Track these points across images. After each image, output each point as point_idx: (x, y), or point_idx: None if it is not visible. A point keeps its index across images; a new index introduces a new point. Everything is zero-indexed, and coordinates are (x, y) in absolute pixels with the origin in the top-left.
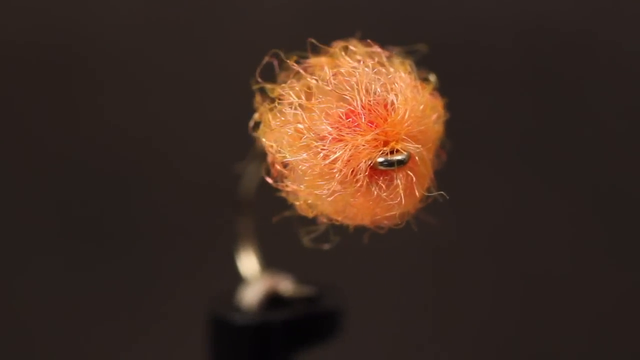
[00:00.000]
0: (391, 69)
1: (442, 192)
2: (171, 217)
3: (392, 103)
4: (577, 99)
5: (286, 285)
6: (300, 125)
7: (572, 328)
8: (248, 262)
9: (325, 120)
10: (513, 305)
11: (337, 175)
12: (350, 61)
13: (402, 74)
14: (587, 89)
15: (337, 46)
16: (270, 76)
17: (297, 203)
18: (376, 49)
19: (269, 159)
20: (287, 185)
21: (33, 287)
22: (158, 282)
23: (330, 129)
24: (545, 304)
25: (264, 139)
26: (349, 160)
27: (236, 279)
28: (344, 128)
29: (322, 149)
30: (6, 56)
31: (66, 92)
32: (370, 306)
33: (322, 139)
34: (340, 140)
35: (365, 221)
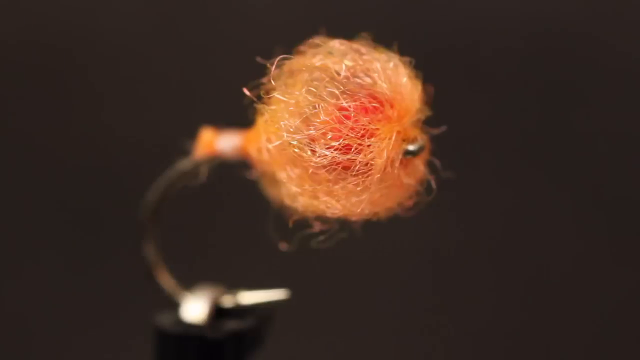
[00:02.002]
0: (391, 61)
1: (448, 173)
2: (166, 217)
3: (407, 92)
4: (580, 100)
5: (235, 295)
6: (337, 125)
7: (576, 330)
8: (168, 282)
9: (362, 117)
10: (516, 308)
11: (375, 170)
12: (366, 56)
13: (401, 65)
14: (590, 90)
15: (325, 44)
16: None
17: (322, 206)
18: (364, 43)
19: (291, 163)
20: (315, 188)
21: (30, 286)
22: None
23: (367, 124)
24: (549, 307)
25: (293, 143)
26: (387, 154)
27: (230, 277)
28: (376, 122)
29: (361, 146)
30: (2, 57)
31: (64, 93)
32: (372, 308)
33: (361, 136)
34: (375, 135)
35: (381, 212)
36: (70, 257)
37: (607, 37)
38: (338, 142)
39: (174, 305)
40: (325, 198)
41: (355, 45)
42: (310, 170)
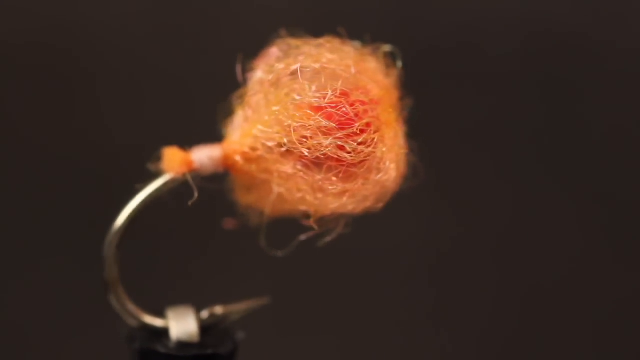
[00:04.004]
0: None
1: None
2: (165, 220)
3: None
4: (580, 101)
5: (214, 311)
6: (368, 120)
7: (576, 331)
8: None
9: (378, 109)
10: (515, 309)
11: (394, 159)
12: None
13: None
14: (590, 90)
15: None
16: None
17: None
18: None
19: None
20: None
21: (29, 287)
22: (152, 283)
23: (383, 114)
24: (549, 307)
25: (326, 144)
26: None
27: (226, 281)
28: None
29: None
30: (2, 56)
31: (63, 94)
32: (371, 307)
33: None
34: (390, 124)
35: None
36: (70, 258)
37: (608, 37)
38: (371, 136)
39: (145, 329)
40: (349, 195)
41: (334, 41)
42: (344, 169)
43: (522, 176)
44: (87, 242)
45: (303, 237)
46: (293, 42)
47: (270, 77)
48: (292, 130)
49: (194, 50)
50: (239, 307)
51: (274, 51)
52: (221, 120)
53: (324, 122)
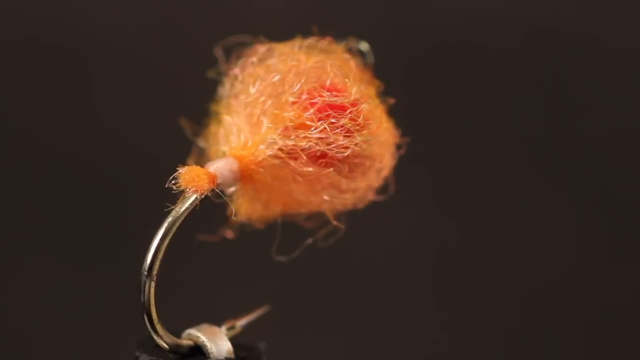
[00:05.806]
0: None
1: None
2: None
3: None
4: (580, 100)
5: (231, 327)
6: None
7: (574, 329)
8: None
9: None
10: (514, 309)
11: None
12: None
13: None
14: (590, 90)
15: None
16: None
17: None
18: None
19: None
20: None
21: (27, 287)
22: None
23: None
24: (547, 308)
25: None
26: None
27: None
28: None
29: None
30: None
31: (62, 93)
32: (371, 306)
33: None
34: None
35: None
36: (70, 259)
37: (607, 38)
38: (385, 130)
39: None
40: (368, 189)
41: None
42: (369, 165)
43: (521, 176)
44: (87, 243)
45: (310, 240)
46: (279, 46)
47: (269, 80)
48: (327, 130)
49: (193, 48)
50: (249, 318)
51: (240, 65)
52: (201, 134)
53: (359, 120)
